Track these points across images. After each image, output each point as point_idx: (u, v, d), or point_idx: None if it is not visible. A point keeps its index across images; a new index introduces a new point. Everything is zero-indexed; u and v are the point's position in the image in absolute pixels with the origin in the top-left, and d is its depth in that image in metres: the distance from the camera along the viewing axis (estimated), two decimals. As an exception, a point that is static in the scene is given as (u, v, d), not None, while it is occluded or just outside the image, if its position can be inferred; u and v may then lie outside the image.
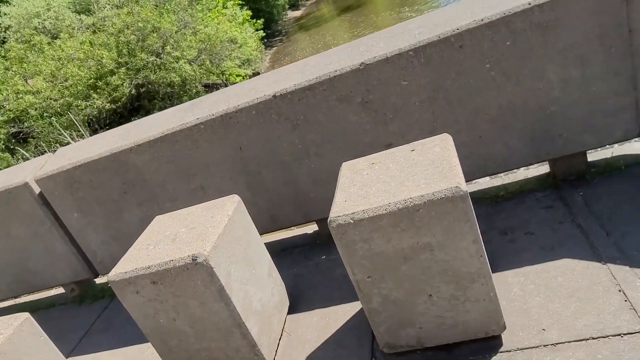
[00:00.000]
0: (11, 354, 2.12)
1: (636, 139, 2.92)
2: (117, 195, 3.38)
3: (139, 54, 11.52)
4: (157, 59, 11.55)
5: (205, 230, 2.26)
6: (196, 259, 2.08)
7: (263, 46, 20.16)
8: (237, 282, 2.26)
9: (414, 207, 1.83)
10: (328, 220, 1.95)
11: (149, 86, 11.76)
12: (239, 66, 14.39)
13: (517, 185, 3.03)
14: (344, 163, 2.38)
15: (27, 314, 2.28)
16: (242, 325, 2.22)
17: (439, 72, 2.67)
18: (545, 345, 1.96)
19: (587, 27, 2.46)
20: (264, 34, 19.32)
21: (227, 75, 13.49)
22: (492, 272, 2.41)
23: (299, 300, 2.79)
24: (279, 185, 3.12)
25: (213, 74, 13.01)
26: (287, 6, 31.13)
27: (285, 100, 2.89)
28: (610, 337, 1.89)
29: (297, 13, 34.29)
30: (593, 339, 1.91)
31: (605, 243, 2.33)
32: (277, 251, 3.36)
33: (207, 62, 12.47)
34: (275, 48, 23.22)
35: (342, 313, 2.57)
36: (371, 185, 2.05)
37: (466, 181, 2.96)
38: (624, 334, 1.87)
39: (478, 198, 3.07)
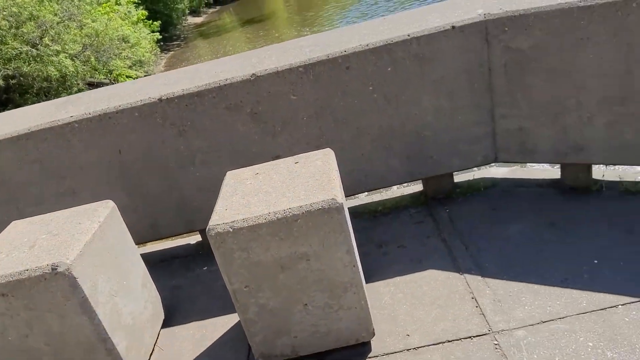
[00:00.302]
0: None
1: (493, 164, 3.32)
2: (-33, 196, 2.96)
3: (10, 41, 10.30)
4: (33, 50, 10.43)
5: (70, 238, 2.08)
6: (56, 269, 1.90)
7: (159, 49, 19.29)
8: (104, 294, 2.10)
9: (292, 217, 1.87)
10: (207, 228, 1.91)
11: (21, 79, 10.56)
12: (130, 67, 13.57)
13: (393, 202, 3.25)
14: (228, 172, 2.36)
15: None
16: (108, 341, 2.06)
17: (327, 90, 2.79)
18: (408, 350, 2.11)
19: (456, 63, 2.76)
20: (161, 37, 18.52)
21: (115, 75, 12.63)
22: (367, 282, 2.55)
23: (176, 313, 2.68)
24: (161, 192, 2.98)
25: (99, 72, 12.11)
26: (187, 11, 30.23)
27: (171, 105, 2.79)
28: (462, 339, 2.09)
29: (198, 19, 33.44)
30: (449, 341, 2.10)
31: (464, 256, 2.59)
32: (156, 262, 3.19)
33: (93, 59, 11.57)
34: (172, 52, 22.36)
35: (221, 325, 2.51)
36: (253, 195, 2.06)
37: (348, 196, 3.11)
38: (474, 337, 2.09)
39: (359, 212, 3.23)
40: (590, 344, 1.93)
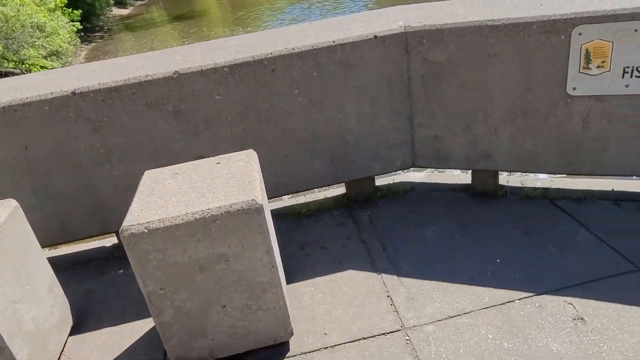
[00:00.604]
0: None
1: (411, 169, 3.49)
2: None
3: None
4: None
5: (-37, 238, 1.90)
6: (-55, 272, 1.73)
7: (79, 40, 18.12)
8: (3, 300, 1.94)
9: (211, 217, 1.85)
10: (120, 229, 1.84)
11: None
12: (45, 57, 12.62)
13: (317, 204, 3.31)
14: (146, 172, 2.28)
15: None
16: (6, 349, 1.91)
17: (252, 91, 2.79)
18: (325, 348, 2.16)
19: (378, 71, 2.87)
20: (81, 27, 17.41)
21: (28, 65, 11.68)
22: (288, 283, 2.58)
23: (87, 319, 2.54)
24: (73, 190, 2.82)
25: (8, 60, 11.12)
26: (112, 2, 28.70)
27: (86, 99, 2.65)
28: (377, 336, 2.18)
29: (124, 11, 31.86)
30: (364, 339, 2.18)
31: (382, 256, 2.70)
32: (68, 265, 3.01)
33: (1, 47, 10.61)
34: (94, 44, 21.10)
35: (135, 330, 2.42)
36: (171, 195, 2.01)
37: (273, 197, 3.13)
38: (387, 333, 2.19)
39: (283, 214, 3.25)
40: (490, 336, 2.10)
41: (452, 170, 3.50)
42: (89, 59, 17.60)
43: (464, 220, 2.92)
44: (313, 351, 2.15)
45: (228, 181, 2.05)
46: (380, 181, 3.47)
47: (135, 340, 2.35)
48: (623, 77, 2.52)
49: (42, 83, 2.76)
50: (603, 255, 2.46)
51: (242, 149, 2.89)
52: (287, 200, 3.47)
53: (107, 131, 2.72)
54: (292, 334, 2.17)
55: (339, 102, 2.91)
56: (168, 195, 2.01)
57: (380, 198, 3.28)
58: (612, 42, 2.46)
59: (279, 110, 2.86)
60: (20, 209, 2.23)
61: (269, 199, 3.15)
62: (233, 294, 2.00)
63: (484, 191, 3.17)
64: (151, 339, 2.33)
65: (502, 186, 3.19)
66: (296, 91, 2.84)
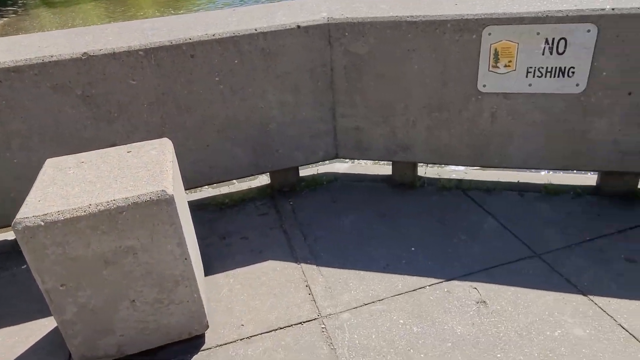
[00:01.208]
0: None
1: (336, 160, 3.54)
2: None
3: None
4: None
5: None
6: None
7: (-13, 13, 16.47)
8: None
9: (117, 209, 1.76)
10: (13, 222, 1.70)
11: None
12: (-54, 30, 11.31)
13: (241, 194, 3.27)
14: (48, 160, 2.12)
15: None
16: None
17: (170, 77, 2.68)
18: (241, 339, 2.15)
19: (301, 60, 2.87)
20: (-10, -1, 15.81)
21: None
22: (207, 275, 2.54)
23: (-18, 319, 2.34)
24: (-33, 180, 2.57)
25: None
26: (27, -27, 26.31)
27: (-19, 79, 2.41)
28: (293, 325, 2.20)
29: (41, -16, 29.34)
30: (281, 328, 2.19)
31: (302, 246, 2.72)
32: (-39, 261, 2.75)
33: None
34: (5, 19, 19.28)
35: (38, 329, 2.27)
36: (74, 185, 1.89)
37: (194, 188, 3.04)
38: (304, 322, 2.22)
39: (205, 204, 3.18)
40: (402, 321, 2.19)
41: (379, 162, 3.60)
42: (0, 35, 16.07)
43: (382, 210, 3.01)
44: (228, 343, 2.13)
45: (138, 171, 1.96)
46: (304, 172, 3.49)
47: (37, 340, 2.20)
48: (527, 76, 2.70)
49: None
50: (506, 242, 2.64)
51: (160, 136, 2.78)
52: (210, 191, 3.40)
53: (6, 116, 2.50)
54: (208, 326, 2.13)
55: (262, 90, 2.87)
56: (71, 185, 1.89)
57: (304, 188, 3.30)
58: (518, 43, 2.63)
59: (199, 98, 2.78)
60: None
61: (189, 189, 3.07)
62: (143, 288, 1.93)
63: (403, 182, 3.28)
64: (55, 338, 2.20)
65: (421, 177, 3.32)
66: (217, 78, 2.76)
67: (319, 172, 3.47)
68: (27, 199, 1.82)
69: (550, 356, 1.96)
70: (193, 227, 2.40)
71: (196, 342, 2.14)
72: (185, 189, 3.04)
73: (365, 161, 3.85)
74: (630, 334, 2.02)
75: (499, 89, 2.76)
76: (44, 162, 2.60)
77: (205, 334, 2.18)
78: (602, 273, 2.36)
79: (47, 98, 2.53)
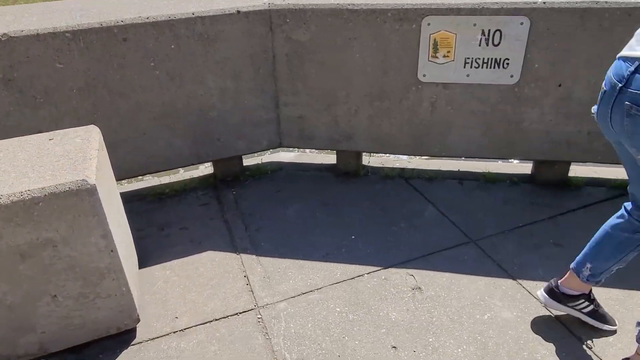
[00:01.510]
0: None
1: (281, 150, 3.50)
2: None
3: None
4: None
5: None
6: None
7: None
8: None
9: (32, 200, 1.66)
10: None
11: None
12: None
13: (182, 184, 3.18)
14: (-40, 147, 1.97)
15: None
16: None
17: (101, 61, 2.55)
18: (175, 332, 2.09)
19: (241, 46, 2.80)
20: None
21: None
22: (142, 267, 2.45)
23: None
24: None
25: None
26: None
27: None
28: (229, 317, 2.17)
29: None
30: (216, 320, 2.15)
31: (243, 236, 2.68)
32: None
33: None
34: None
35: (-46, 328, 2.12)
36: (-13, 174, 1.77)
37: (129, 177, 2.93)
38: (240, 313, 2.18)
39: (143, 195, 3.07)
40: (338, 309, 2.19)
41: (323, 150, 3.58)
42: None
43: (326, 198, 3.01)
44: (161, 336, 2.07)
45: (59, 159, 1.86)
46: (249, 161, 3.43)
47: (-48, 340, 2.06)
48: (465, 67, 2.75)
49: None
50: (444, 229, 2.70)
51: (90, 123, 2.65)
52: (149, 181, 3.29)
53: None
54: (139, 320, 2.06)
55: (201, 77, 2.79)
56: (-17, 175, 1.76)
57: (248, 178, 3.25)
58: (456, 34, 2.67)
59: (134, 84, 2.66)
60: None
61: (124, 179, 2.95)
62: (65, 282, 1.83)
63: (347, 171, 3.29)
64: (-27, 337, 2.06)
65: (364, 166, 3.34)
66: (152, 64, 2.66)
67: (263, 161, 3.43)
68: None
69: (479, 338, 2.02)
70: (125, 217, 2.32)
71: (126, 336, 2.07)
72: (122, 179, 2.92)
73: (311, 150, 3.84)
74: (555, 317, 2.11)
75: (438, 79, 2.80)
76: (-40, 151, 2.42)
77: (137, 328, 2.11)
78: (532, 258, 2.46)
79: (-38, 81, 2.35)
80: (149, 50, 2.62)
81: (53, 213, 1.71)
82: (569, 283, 1.98)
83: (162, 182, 3.22)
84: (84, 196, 1.73)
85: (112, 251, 1.87)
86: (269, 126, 3.09)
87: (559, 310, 2.04)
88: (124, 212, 2.31)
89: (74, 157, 1.88)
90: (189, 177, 3.27)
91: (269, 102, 3.02)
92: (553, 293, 2.01)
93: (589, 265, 1.89)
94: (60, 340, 1.93)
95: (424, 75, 2.80)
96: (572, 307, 2.00)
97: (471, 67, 2.74)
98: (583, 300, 1.98)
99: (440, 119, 2.92)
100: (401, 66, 2.80)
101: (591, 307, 1.99)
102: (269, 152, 3.57)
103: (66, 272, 1.82)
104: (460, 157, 3.11)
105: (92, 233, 1.80)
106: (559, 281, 2.01)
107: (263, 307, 2.22)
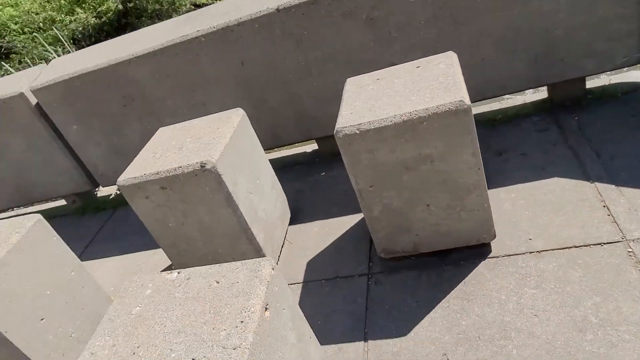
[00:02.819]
0: (27, 252, 2.22)
1: (632, 68, 2.97)
2: (116, 108, 3.37)
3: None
4: (145, -26, 10.90)
5: (212, 140, 2.31)
6: (205, 166, 2.15)
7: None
8: (243, 190, 2.35)
9: (418, 119, 1.89)
10: (335, 130, 2.01)
11: (137, 1, 11.22)
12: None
13: (514, 110, 3.10)
14: (348, 79, 2.39)
15: (39, 215, 2.36)
16: (249, 231, 2.34)
17: (447, -12, 2.63)
18: (530, 252, 2.12)
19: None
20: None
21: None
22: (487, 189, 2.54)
23: (300, 213, 2.92)
24: (282, 103, 3.14)
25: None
26: None
27: (289, 15, 2.83)
28: (591, 245, 2.05)
29: None
30: (575, 247, 2.07)
31: (595, 164, 2.44)
32: (278, 167, 3.43)
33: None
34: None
35: (341, 224, 2.71)
36: (376, 99, 2.09)
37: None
38: (604, 243, 2.03)
39: (476, 121, 3.12)
40: None
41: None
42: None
43: None
44: (517, 254, 2.14)
45: (431, 83, 2.04)
46: (591, 83, 3.05)
47: (342, 233, 2.64)
48: None
49: (250, 3, 3.02)
50: None
51: (434, 53, 2.80)
52: (480, 107, 3.31)
53: (308, 45, 2.90)
54: (495, 236, 2.17)
55: (548, -9, 2.56)
56: (373, 100, 2.10)
57: (592, 101, 2.90)
58: None
59: (476, 8, 2.66)
60: (246, 116, 2.59)
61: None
62: (437, 194, 2.06)
63: None
64: (355, 232, 2.59)
65: None
66: (497, -17, 2.57)
67: (611, 82, 2.99)
68: (341, 111, 2.11)
69: None
70: (474, 140, 2.41)
71: (483, 249, 2.22)
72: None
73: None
74: None
75: None
76: (334, 85, 2.96)
77: (492, 244, 2.23)
78: None
79: (338, 25, 2.81)
80: (495, -31, 2.54)
81: (434, 131, 1.91)
82: None
83: (493, 109, 3.21)
84: (461, 116, 1.86)
85: (479, 169, 1.98)
86: (628, 39, 2.63)
87: None
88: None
89: (444, 81, 2.03)
90: (520, 103, 3.15)
91: (630, 10, 2.55)
92: None
93: None
94: (429, 243, 2.22)
95: None
96: None
97: None
98: None
99: None
100: None
101: None
102: (621, 71, 3.08)
103: (439, 185, 2.04)
104: None
105: (465, 151, 1.94)
106: None
107: (633, 240, 2.00)
